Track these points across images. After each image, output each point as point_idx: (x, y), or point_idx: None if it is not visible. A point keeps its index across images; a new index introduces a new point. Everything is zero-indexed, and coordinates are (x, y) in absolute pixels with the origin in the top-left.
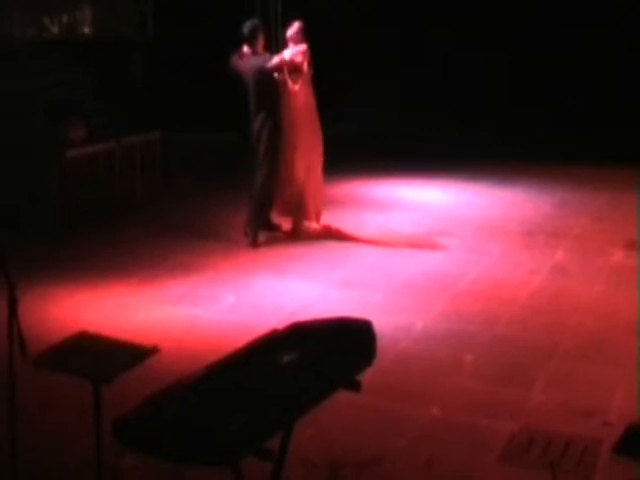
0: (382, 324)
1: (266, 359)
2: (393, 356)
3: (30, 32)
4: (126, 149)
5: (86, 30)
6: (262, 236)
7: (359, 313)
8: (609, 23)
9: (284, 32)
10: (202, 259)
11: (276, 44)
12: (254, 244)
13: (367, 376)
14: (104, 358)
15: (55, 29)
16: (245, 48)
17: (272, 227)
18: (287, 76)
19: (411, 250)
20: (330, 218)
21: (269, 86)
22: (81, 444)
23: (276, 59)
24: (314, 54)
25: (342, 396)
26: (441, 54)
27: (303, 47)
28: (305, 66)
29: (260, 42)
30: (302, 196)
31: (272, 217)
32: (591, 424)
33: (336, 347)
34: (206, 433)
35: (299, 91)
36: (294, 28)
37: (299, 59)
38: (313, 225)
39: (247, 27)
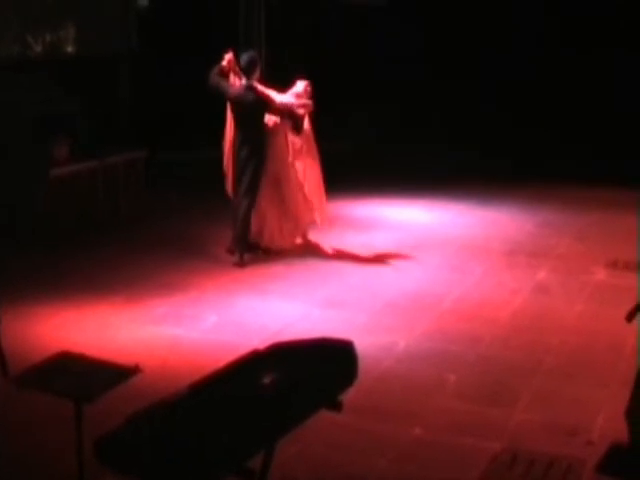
0: (364, 344)
1: (247, 379)
2: (375, 376)
3: (14, 50)
4: (109, 167)
5: (70, 49)
6: (246, 256)
7: (341, 333)
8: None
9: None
10: (185, 278)
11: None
12: (241, 264)
13: (349, 396)
14: (86, 378)
15: (38, 47)
16: (225, 62)
17: (252, 248)
18: (287, 125)
19: (394, 270)
20: (312, 237)
21: (256, 121)
22: (63, 462)
23: (285, 98)
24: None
25: (324, 415)
26: (428, 75)
27: (309, 102)
28: (307, 123)
29: (257, 74)
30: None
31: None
32: (574, 443)
33: (317, 367)
34: (187, 453)
35: (299, 149)
36: (304, 84)
37: (301, 111)
38: (298, 240)
39: (244, 59)
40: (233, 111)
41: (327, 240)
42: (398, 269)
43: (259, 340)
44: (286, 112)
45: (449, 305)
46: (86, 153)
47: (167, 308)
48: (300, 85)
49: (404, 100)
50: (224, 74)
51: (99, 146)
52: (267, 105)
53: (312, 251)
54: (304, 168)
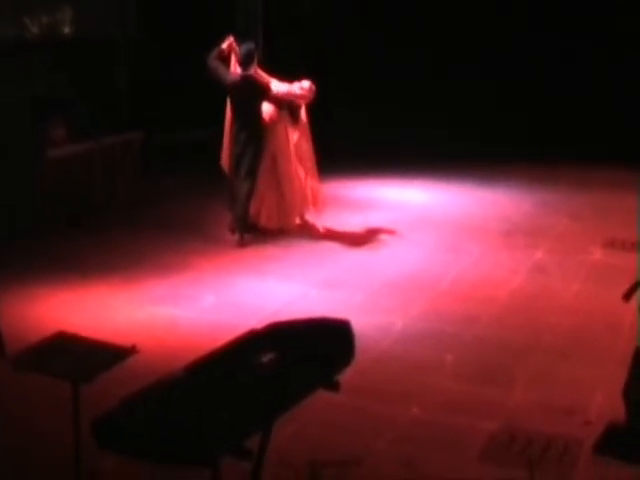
0: (362, 324)
1: (244, 358)
2: (373, 356)
3: (10, 32)
4: (106, 149)
5: (67, 30)
6: (245, 237)
7: (339, 313)
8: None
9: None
10: (183, 259)
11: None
12: (241, 244)
13: (347, 376)
14: (83, 358)
15: (35, 29)
16: (224, 46)
17: (251, 228)
18: (286, 117)
19: (391, 250)
20: (311, 219)
21: (253, 109)
22: (60, 443)
23: (284, 88)
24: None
25: (322, 396)
26: (429, 58)
27: (309, 94)
28: (304, 115)
29: (254, 66)
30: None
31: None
32: (572, 423)
33: (314, 347)
34: (184, 432)
35: (296, 140)
36: (307, 84)
37: (300, 101)
38: (296, 221)
39: (242, 51)
40: (230, 97)
41: (324, 221)
42: (395, 250)
43: (257, 320)
44: (285, 101)
45: (446, 285)
46: (83, 134)
47: (165, 289)
48: (305, 83)
49: (404, 89)
50: (223, 57)
51: (95, 127)
52: (265, 93)
53: (309, 232)
54: (300, 155)
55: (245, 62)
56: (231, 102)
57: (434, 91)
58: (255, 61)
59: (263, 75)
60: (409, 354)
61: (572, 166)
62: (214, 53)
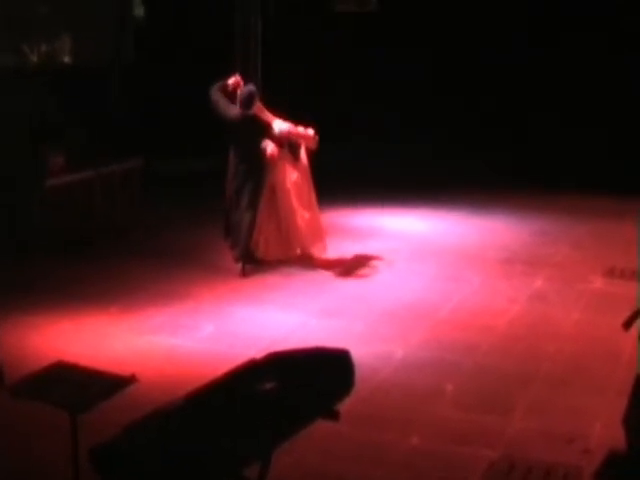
0: (361, 353)
1: (244, 388)
2: (372, 385)
3: (10, 60)
4: (105, 177)
5: (66, 59)
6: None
7: (338, 342)
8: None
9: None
10: (182, 288)
11: (254, 68)
12: (243, 274)
13: (346, 405)
14: (82, 387)
15: (34, 57)
16: (231, 81)
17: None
18: (286, 155)
19: (390, 279)
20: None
21: (254, 146)
22: (59, 473)
23: (285, 127)
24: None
25: (321, 425)
26: (427, 81)
27: (313, 135)
28: (303, 154)
29: (256, 106)
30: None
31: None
32: (571, 451)
33: (314, 376)
34: (183, 462)
35: (295, 179)
36: (312, 132)
37: (302, 141)
38: (297, 252)
39: (243, 94)
40: (231, 132)
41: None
42: (394, 278)
43: (256, 350)
44: (285, 140)
45: (445, 314)
46: (82, 163)
47: (163, 318)
48: (310, 130)
49: (403, 107)
50: (227, 93)
51: (95, 156)
52: (266, 133)
53: (309, 261)
54: (300, 195)
55: (246, 104)
56: (232, 137)
57: (430, 118)
58: (256, 102)
59: (266, 113)
60: (409, 383)
61: (571, 194)
62: (218, 86)
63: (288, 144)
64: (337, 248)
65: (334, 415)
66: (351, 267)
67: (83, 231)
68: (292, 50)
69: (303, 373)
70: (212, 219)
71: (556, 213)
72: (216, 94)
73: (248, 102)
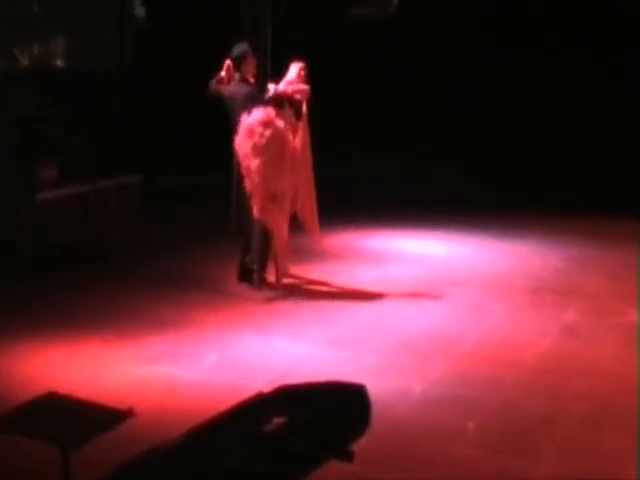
0: (377, 388)
1: (251, 424)
2: (389, 423)
3: (1, 63)
4: (101, 192)
5: (59, 62)
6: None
7: (352, 375)
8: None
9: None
10: (183, 313)
11: (264, 73)
12: (260, 287)
13: (361, 444)
14: (75, 421)
15: (25, 61)
16: (223, 73)
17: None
18: (288, 119)
19: (409, 307)
20: (322, 271)
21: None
22: None
23: (272, 91)
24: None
25: (334, 466)
26: (446, 99)
27: (305, 86)
28: (305, 108)
29: (248, 68)
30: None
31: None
32: None
33: (327, 414)
34: None
35: (297, 144)
36: (297, 67)
37: (298, 97)
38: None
39: (236, 50)
40: (229, 112)
41: (338, 275)
42: (413, 306)
43: (262, 382)
44: (284, 101)
45: (468, 346)
46: (76, 176)
47: (163, 346)
48: (293, 70)
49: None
50: (222, 84)
51: (90, 168)
52: (259, 97)
53: (321, 287)
54: (295, 161)
55: (238, 61)
56: (230, 118)
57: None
58: (248, 62)
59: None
60: (427, 420)
61: (604, 219)
62: (214, 79)
63: (289, 104)
64: (352, 273)
65: (348, 456)
66: (368, 293)
67: (76, 249)
68: (303, 52)
69: (316, 410)
70: (215, 236)
71: (589, 239)
72: (214, 87)
73: (239, 57)
